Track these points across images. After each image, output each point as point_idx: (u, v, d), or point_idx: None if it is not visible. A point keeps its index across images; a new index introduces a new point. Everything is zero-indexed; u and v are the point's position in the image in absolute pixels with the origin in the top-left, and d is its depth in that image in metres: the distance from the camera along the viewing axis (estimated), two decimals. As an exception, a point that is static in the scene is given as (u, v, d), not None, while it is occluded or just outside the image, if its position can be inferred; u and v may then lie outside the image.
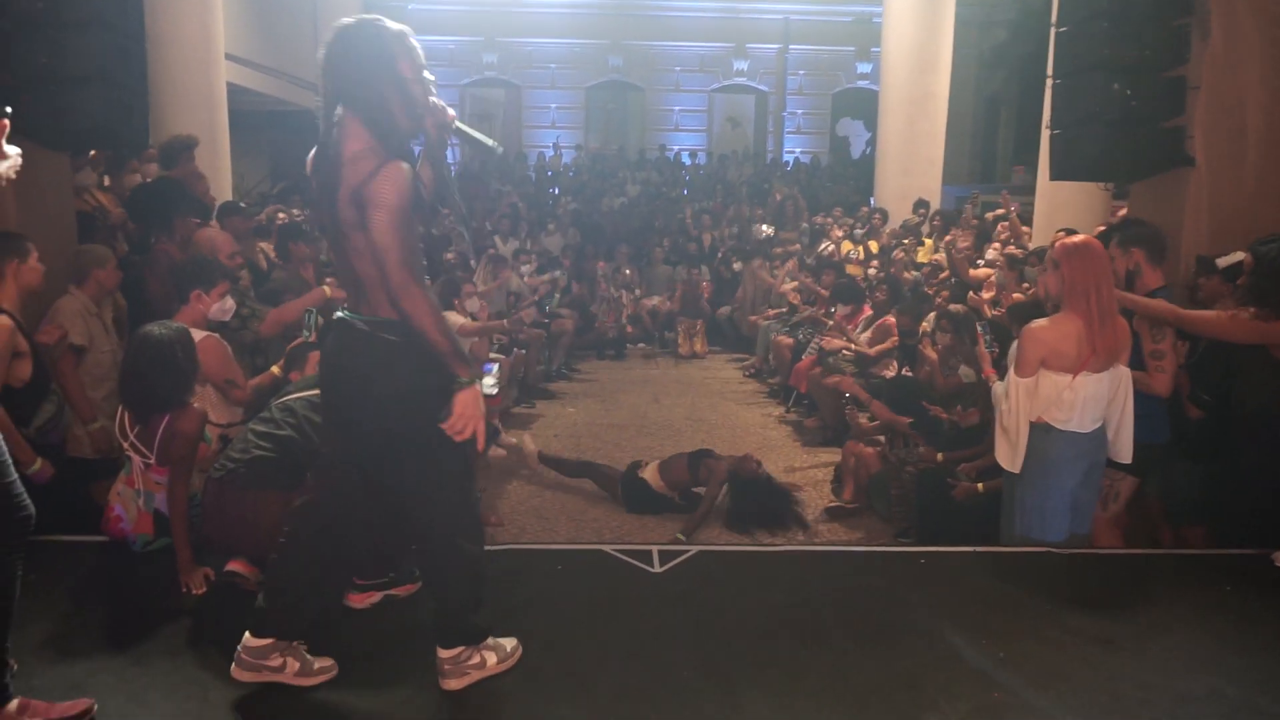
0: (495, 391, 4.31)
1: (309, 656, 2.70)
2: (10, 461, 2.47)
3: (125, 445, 3.38)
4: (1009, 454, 3.60)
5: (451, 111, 2.54)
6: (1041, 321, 3.54)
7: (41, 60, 3.96)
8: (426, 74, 2.45)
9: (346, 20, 2.41)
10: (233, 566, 3.24)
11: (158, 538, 3.43)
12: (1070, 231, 5.45)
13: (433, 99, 2.46)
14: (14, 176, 2.47)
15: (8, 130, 2.40)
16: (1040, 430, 3.53)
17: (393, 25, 2.40)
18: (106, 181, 6.02)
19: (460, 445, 2.45)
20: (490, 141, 2.64)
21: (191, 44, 7.02)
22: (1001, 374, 3.87)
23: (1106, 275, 3.48)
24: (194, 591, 3.20)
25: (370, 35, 2.37)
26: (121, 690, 2.61)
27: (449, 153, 2.72)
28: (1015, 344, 3.66)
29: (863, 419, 5.98)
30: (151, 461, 3.34)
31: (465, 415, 2.38)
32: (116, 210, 5.41)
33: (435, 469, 2.50)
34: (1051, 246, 3.60)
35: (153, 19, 4.71)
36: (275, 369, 4.21)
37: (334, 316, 2.56)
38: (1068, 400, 3.47)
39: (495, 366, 4.51)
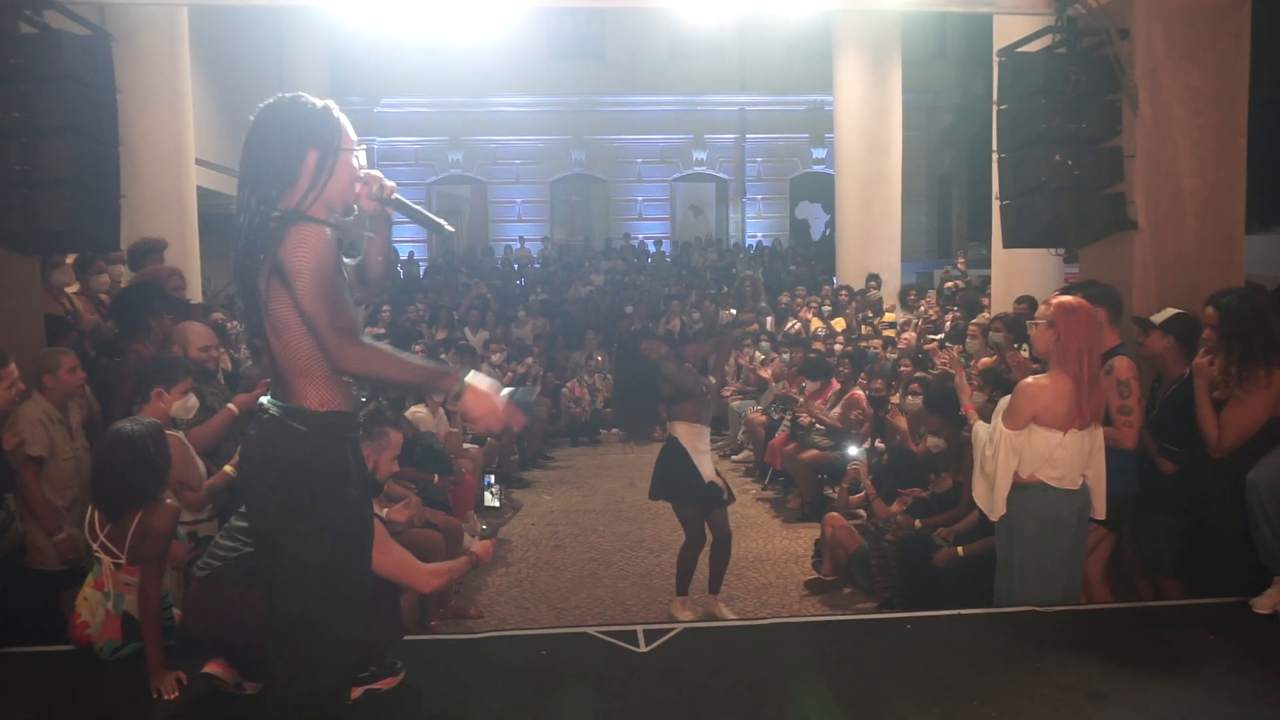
0: (496, 504, 4.24)
1: None
2: None
3: (95, 546, 3.31)
4: (986, 498, 3.65)
5: (390, 184, 2.43)
6: (1039, 378, 3.61)
7: (15, 167, 4.03)
8: (358, 148, 2.38)
9: (269, 99, 2.35)
10: (211, 668, 3.14)
11: (126, 643, 3.33)
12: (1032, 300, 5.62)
13: (366, 170, 2.39)
14: None
15: None
16: (1036, 490, 3.57)
17: (315, 101, 2.33)
18: (76, 289, 6.02)
19: (347, 543, 2.34)
20: (438, 219, 2.50)
21: (163, 149, 7.17)
22: (984, 417, 3.92)
23: (1098, 337, 3.59)
24: (166, 697, 3.09)
25: (287, 111, 2.31)
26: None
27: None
28: (1005, 397, 3.73)
29: (851, 498, 6.00)
30: (122, 561, 3.27)
31: (482, 413, 2.22)
32: (91, 316, 5.41)
33: (310, 561, 2.31)
34: (1046, 305, 3.67)
35: (126, 126, 4.81)
36: (229, 468, 4.13)
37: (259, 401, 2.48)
38: (1060, 458, 3.53)
39: (494, 479, 4.44)
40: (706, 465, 4.97)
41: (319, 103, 2.35)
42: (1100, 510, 3.67)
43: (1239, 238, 4.92)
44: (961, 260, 13.89)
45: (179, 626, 3.29)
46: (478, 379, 2.25)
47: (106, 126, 4.50)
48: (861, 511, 5.76)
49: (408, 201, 2.47)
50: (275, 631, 2.40)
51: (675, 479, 4.98)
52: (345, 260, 2.50)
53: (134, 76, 6.16)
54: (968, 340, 7.02)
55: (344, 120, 2.36)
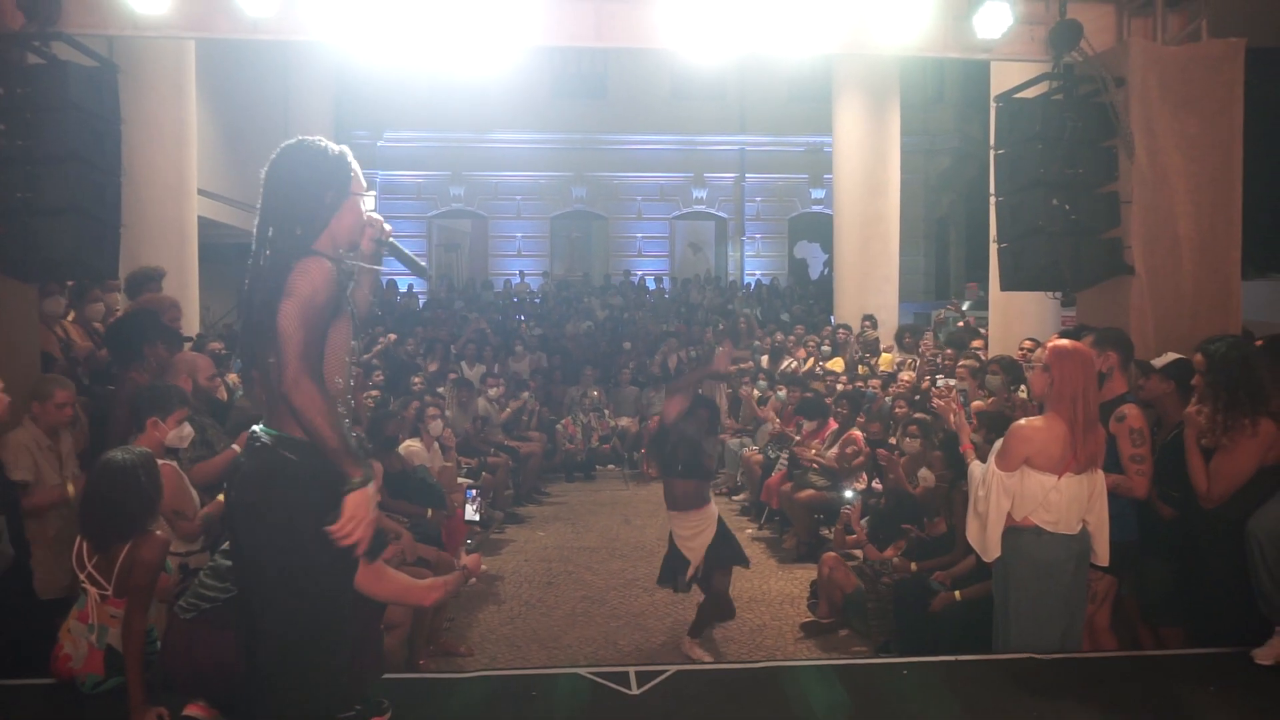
0: (477, 518, 4.23)
1: None
2: None
3: (82, 577, 3.26)
4: (979, 539, 3.60)
5: (388, 227, 2.68)
6: (1033, 420, 3.59)
7: (17, 195, 4.05)
8: (367, 193, 2.57)
9: (289, 140, 2.50)
10: (191, 710, 3.08)
11: (108, 678, 3.26)
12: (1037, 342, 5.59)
13: (369, 214, 2.59)
14: None
15: None
16: (1031, 534, 3.53)
17: (333, 146, 2.50)
18: (71, 316, 6.02)
19: (333, 571, 2.40)
20: (421, 263, 2.83)
21: (166, 179, 7.21)
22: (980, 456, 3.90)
23: (1093, 382, 3.56)
24: (146, 733, 3.03)
25: (310, 155, 2.46)
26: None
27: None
28: (1000, 439, 3.70)
29: (847, 539, 5.95)
30: (109, 593, 3.22)
31: (354, 518, 2.32)
32: (84, 343, 5.39)
33: (298, 589, 2.37)
34: (1043, 349, 3.69)
35: (130, 155, 4.84)
36: (222, 496, 4.09)
37: (250, 429, 2.53)
38: (1054, 501, 3.49)
39: (476, 492, 4.39)
40: (689, 548, 4.84)
41: (335, 148, 2.51)
42: (1103, 556, 3.62)
43: (1235, 283, 4.94)
44: (953, 304, 13.89)
45: (159, 666, 3.23)
46: (369, 490, 2.35)
47: (109, 156, 4.54)
48: (858, 553, 5.70)
49: (399, 245, 2.75)
50: (268, 663, 2.37)
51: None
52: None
53: (140, 107, 6.21)
54: (956, 380, 7.01)
55: (356, 166, 2.54)
